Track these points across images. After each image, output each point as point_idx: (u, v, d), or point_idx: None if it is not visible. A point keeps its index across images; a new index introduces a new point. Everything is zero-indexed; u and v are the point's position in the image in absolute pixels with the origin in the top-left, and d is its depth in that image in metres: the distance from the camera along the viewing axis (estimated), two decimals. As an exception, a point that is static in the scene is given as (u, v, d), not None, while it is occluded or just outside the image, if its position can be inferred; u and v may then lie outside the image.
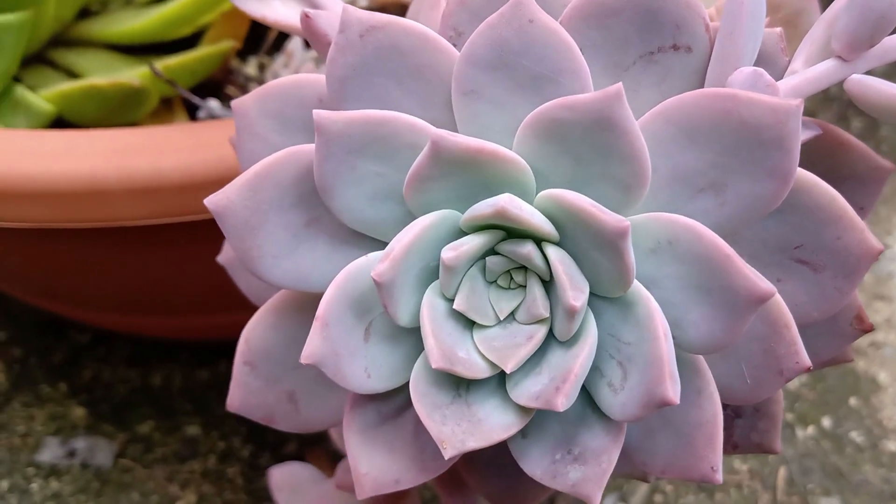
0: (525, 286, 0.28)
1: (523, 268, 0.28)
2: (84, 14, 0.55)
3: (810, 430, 0.60)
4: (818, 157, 0.31)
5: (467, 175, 0.27)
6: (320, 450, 0.58)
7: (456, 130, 0.29)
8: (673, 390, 0.25)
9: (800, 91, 0.28)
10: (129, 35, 0.54)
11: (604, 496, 0.58)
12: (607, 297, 0.27)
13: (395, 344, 0.29)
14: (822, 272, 0.28)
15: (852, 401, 0.61)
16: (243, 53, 0.57)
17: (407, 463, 0.29)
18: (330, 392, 0.32)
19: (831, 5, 0.29)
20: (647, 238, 0.27)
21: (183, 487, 0.57)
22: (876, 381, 0.62)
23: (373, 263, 0.27)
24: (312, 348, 0.27)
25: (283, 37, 0.58)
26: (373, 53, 0.28)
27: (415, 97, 0.29)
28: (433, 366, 0.26)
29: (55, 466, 0.57)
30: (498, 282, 0.28)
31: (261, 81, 0.57)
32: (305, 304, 0.31)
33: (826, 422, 0.60)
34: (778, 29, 0.29)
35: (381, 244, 0.28)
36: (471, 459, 0.33)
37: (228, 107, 0.51)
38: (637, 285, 0.27)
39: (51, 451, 0.58)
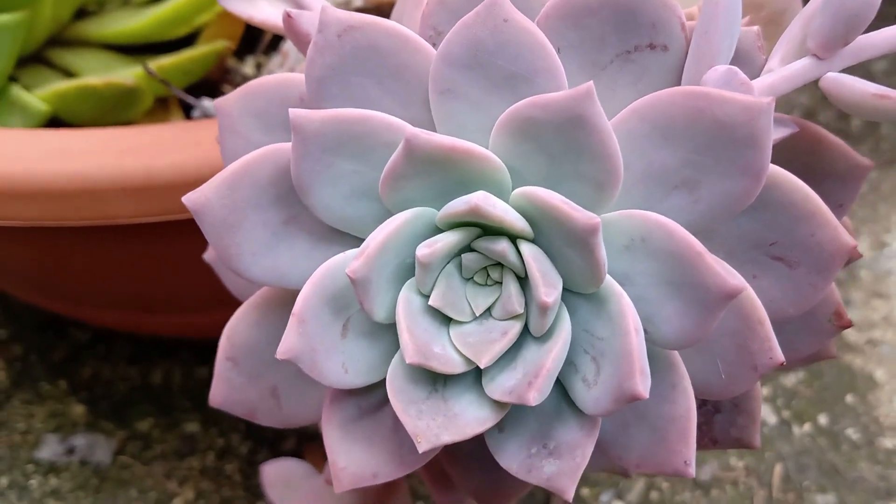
0: (501, 283, 0.28)
1: (499, 264, 0.28)
2: (81, 14, 0.56)
3: (807, 427, 0.60)
4: (796, 154, 0.31)
5: (442, 173, 0.27)
6: (319, 446, 0.58)
7: (435, 129, 0.29)
8: (643, 385, 0.25)
9: (775, 89, 0.28)
10: (125, 35, 0.54)
11: (600, 493, 0.58)
12: (581, 293, 0.27)
13: (373, 339, 0.29)
14: (796, 268, 0.28)
15: (849, 398, 0.61)
16: (240, 53, 0.58)
17: (385, 457, 0.29)
18: (312, 387, 0.32)
19: (808, 4, 0.29)
20: (621, 235, 0.27)
21: (181, 484, 0.57)
22: (873, 378, 0.62)
23: (349, 260, 0.27)
24: (288, 344, 0.27)
25: (279, 36, 0.58)
26: (351, 53, 0.29)
27: (394, 96, 0.29)
28: (407, 361, 0.27)
29: (54, 463, 0.58)
30: (474, 278, 0.28)
31: (258, 80, 0.57)
32: (287, 301, 0.31)
33: (822, 419, 0.60)
34: (755, 27, 0.29)
35: (360, 241, 0.29)
36: (453, 454, 0.33)
37: (223, 106, 0.51)
38: (610, 281, 0.27)
39: (50, 449, 0.59)
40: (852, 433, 0.59)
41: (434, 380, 0.28)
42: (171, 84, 0.50)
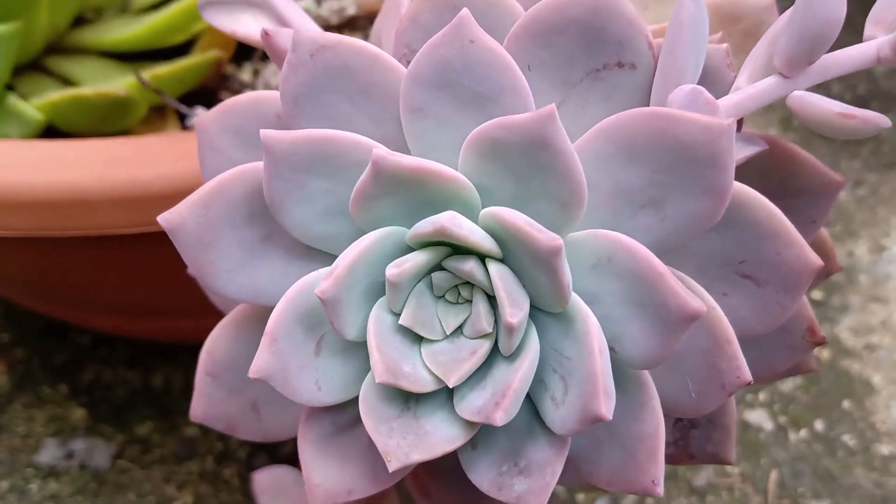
0: (472, 301, 0.28)
1: (470, 283, 0.28)
2: (79, 22, 0.56)
3: (803, 433, 0.60)
4: (770, 171, 0.31)
5: (411, 193, 0.27)
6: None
7: (407, 145, 0.29)
8: (606, 406, 0.25)
9: (742, 107, 0.28)
10: (123, 43, 0.55)
11: (595, 498, 0.58)
12: (550, 311, 0.28)
13: (347, 357, 0.29)
14: (764, 287, 0.28)
15: (846, 404, 0.61)
16: (237, 59, 0.58)
17: (360, 473, 0.30)
18: (292, 402, 0.32)
19: (774, 23, 0.29)
20: (589, 254, 0.27)
21: (180, 488, 0.58)
22: (870, 383, 0.62)
23: (321, 279, 0.27)
24: (260, 363, 0.28)
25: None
26: (323, 72, 0.29)
27: (366, 114, 0.29)
28: (377, 380, 0.27)
29: (54, 467, 0.59)
30: (446, 296, 0.29)
31: (254, 88, 0.57)
32: (265, 317, 0.31)
33: (819, 425, 0.60)
34: (724, 45, 0.29)
35: (335, 258, 0.29)
36: (432, 469, 0.33)
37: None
38: (577, 301, 0.27)
39: (50, 453, 0.60)
40: (848, 439, 0.59)
41: (407, 398, 0.28)
42: (165, 93, 0.50)
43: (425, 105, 0.28)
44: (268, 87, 0.55)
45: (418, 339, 0.29)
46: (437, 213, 0.28)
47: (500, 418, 0.26)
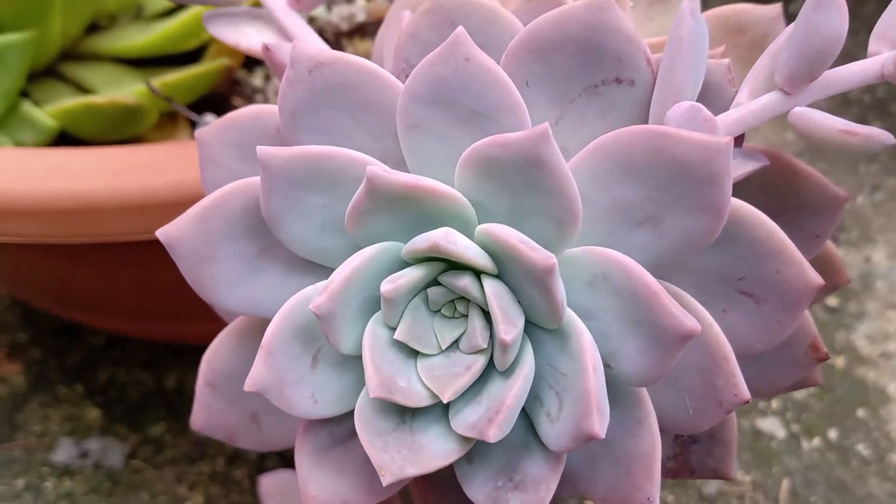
0: (468, 315, 0.28)
1: (465, 297, 0.28)
2: (93, 29, 0.57)
3: (816, 441, 0.59)
4: (771, 186, 0.31)
5: (406, 209, 0.27)
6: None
7: (405, 161, 0.29)
8: (599, 425, 0.25)
9: (743, 123, 0.28)
10: (136, 49, 0.55)
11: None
12: (546, 328, 0.28)
13: (343, 370, 0.29)
14: (764, 304, 0.28)
15: (860, 412, 0.60)
16: (249, 65, 0.58)
17: (356, 485, 0.30)
18: (292, 412, 0.33)
19: (776, 39, 0.28)
20: (585, 271, 0.27)
21: (191, 489, 0.58)
22: (885, 392, 0.61)
23: (317, 294, 0.28)
24: (256, 377, 0.28)
25: (287, 49, 0.58)
26: (321, 89, 0.29)
27: (365, 129, 0.29)
28: (371, 395, 0.27)
29: (69, 466, 0.59)
30: (442, 311, 0.29)
31: (265, 93, 0.58)
32: (265, 329, 0.32)
33: (832, 433, 0.60)
34: (725, 60, 0.29)
35: (333, 272, 0.29)
36: (430, 481, 0.33)
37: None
38: (572, 317, 0.27)
39: (65, 452, 0.60)
40: (862, 448, 0.59)
41: (402, 412, 0.29)
42: (175, 101, 0.50)
43: (422, 121, 0.28)
44: (278, 92, 0.55)
45: (414, 354, 0.29)
46: (433, 228, 0.28)
47: (493, 434, 0.26)
